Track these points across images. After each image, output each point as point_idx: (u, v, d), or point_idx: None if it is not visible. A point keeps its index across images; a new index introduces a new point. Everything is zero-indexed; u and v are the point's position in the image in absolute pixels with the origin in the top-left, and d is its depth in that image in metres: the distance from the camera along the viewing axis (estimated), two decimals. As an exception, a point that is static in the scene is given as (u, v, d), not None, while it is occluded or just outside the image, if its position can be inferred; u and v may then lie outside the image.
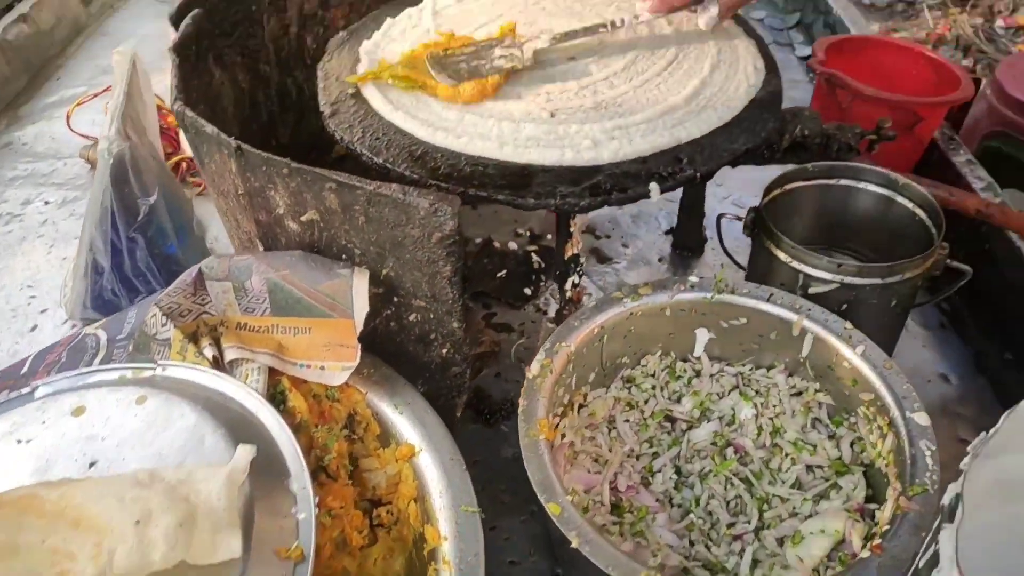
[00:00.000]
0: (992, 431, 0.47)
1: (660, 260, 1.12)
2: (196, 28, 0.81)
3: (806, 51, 1.52)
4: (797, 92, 1.44)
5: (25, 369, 0.71)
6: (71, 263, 0.99)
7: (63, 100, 1.52)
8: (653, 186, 0.72)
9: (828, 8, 1.52)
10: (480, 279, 1.10)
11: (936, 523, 0.46)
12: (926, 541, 0.48)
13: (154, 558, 0.49)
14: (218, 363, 0.69)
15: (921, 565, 0.47)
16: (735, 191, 1.21)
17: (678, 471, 0.76)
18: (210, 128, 0.69)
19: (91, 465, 0.57)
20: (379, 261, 0.73)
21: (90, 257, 0.91)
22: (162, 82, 1.03)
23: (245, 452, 0.56)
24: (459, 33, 0.91)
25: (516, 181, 0.73)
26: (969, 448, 0.47)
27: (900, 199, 0.82)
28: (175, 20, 0.81)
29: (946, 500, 0.45)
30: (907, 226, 0.82)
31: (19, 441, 0.59)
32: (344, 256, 0.74)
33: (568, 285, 0.90)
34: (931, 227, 0.79)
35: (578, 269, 0.88)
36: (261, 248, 0.79)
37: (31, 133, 1.44)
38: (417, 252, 0.69)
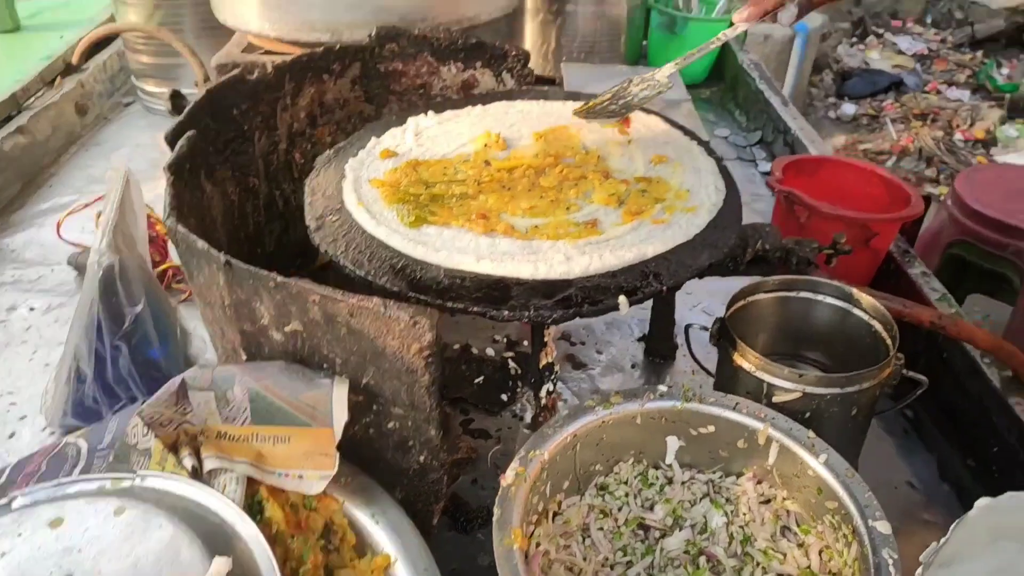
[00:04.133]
0: (943, 541, 0.49)
1: (633, 367, 1.15)
2: (190, 148, 0.86)
3: (767, 167, 1.61)
4: (760, 205, 1.51)
5: (3, 479, 0.71)
6: (53, 370, 1.00)
7: (54, 208, 1.55)
8: (622, 299, 0.76)
9: (787, 128, 1.62)
10: (458, 385, 1.12)
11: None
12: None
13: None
14: (197, 473, 0.70)
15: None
16: (703, 299, 1.26)
17: (652, 580, 0.76)
18: (201, 244, 0.72)
19: (67, 578, 0.57)
20: (359, 370, 0.75)
21: (73, 365, 0.92)
22: (153, 191, 1.07)
23: (220, 565, 0.57)
24: (439, 154, 0.97)
25: (492, 294, 0.76)
26: (921, 558, 0.49)
27: (856, 311, 0.87)
28: (171, 140, 0.86)
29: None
30: (864, 337, 0.86)
31: (-5, 554, 0.59)
32: (325, 365, 0.77)
33: (543, 392, 0.92)
34: (886, 339, 0.83)
35: (552, 377, 0.91)
36: (244, 356, 0.81)
37: (20, 240, 1.47)
38: (396, 362, 0.72)
